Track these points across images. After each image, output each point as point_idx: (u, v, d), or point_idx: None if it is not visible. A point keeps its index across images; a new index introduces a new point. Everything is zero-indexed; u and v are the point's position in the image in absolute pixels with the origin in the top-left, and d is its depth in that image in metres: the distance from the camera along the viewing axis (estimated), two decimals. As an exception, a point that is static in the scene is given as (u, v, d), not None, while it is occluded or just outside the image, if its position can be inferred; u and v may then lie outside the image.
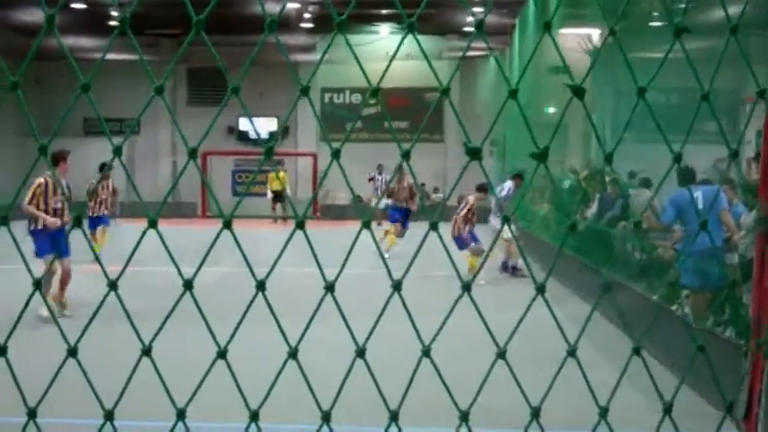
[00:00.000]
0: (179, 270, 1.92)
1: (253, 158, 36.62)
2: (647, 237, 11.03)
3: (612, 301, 10.32)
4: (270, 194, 32.43)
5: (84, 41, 30.04)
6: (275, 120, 35.80)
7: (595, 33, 19.95)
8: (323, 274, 1.92)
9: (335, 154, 1.80)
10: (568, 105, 1.94)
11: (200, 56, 28.94)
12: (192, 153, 1.86)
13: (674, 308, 9.78)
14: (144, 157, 35.21)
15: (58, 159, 11.70)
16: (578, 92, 1.83)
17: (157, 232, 1.88)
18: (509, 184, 17.80)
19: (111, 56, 32.39)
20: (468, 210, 15.54)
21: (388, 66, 1.90)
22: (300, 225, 1.85)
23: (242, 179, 37.28)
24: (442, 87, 1.82)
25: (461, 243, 15.33)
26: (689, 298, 9.77)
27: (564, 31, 18.92)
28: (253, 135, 36.18)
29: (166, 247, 1.93)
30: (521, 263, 17.44)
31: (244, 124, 36.28)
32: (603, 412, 1.96)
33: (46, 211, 11.49)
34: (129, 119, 34.86)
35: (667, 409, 2.01)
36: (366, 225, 1.83)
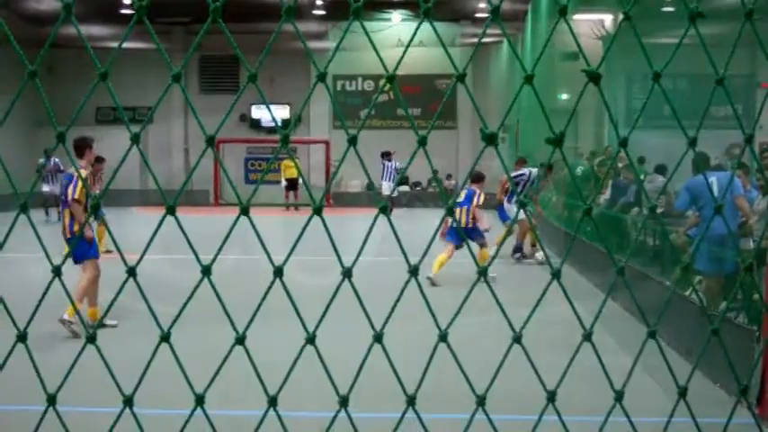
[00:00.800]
0: (197, 256, 1.94)
1: (265, 146, 36.70)
2: (660, 222, 11.00)
3: (626, 285, 10.28)
4: (284, 182, 32.54)
5: (96, 30, 30.10)
6: (287, 107, 35.85)
7: (607, 19, 19.88)
8: (341, 261, 1.93)
9: (352, 140, 1.80)
10: (584, 91, 1.94)
11: (212, 44, 28.96)
12: (210, 141, 1.87)
13: (687, 293, 9.77)
14: (157, 146, 35.29)
15: (84, 148, 10.31)
16: (594, 77, 1.84)
17: (176, 219, 1.90)
18: (529, 170, 17.61)
19: (117, 44, 32.34)
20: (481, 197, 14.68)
21: (404, 53, 1.91)
22: (318, 211, 1.86)
23: (254, 167, 37.36)
24: (457, 73, 1.83)
25: (478, 234, 14.58)
26: (702, 283, 9.76)
27: (576, 16, 18.83)
28: (265, 123, 36.33)
29: (185, 234, 1.94)
30: (527, 250, 17.31)
31: (256, 112, 36.34)
32: (619, 396, 1.97)
33: (86, 207, 10.17)
34: (141, 107, 34.98)
35: (682, 393, 2.02)
36: (383, 211, 1.84)
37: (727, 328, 7.59)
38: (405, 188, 34.99)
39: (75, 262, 9.96)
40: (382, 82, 34.30)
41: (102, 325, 9.50)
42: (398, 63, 1.82)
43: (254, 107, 36.07)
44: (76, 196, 10.09)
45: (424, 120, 34.30)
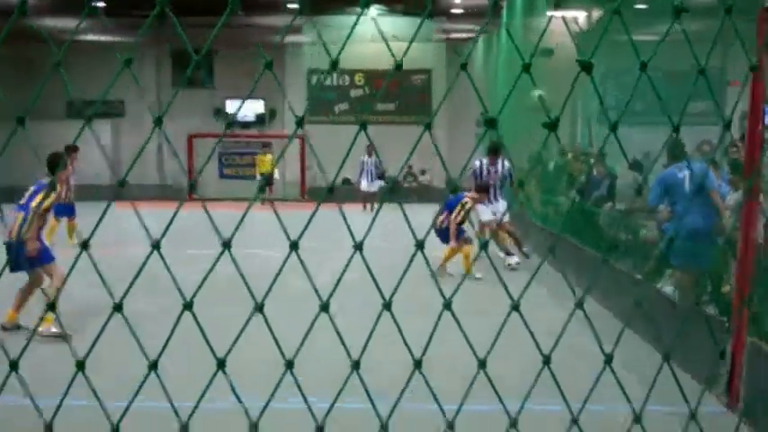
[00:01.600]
0: (218, 232, 2.04)
1: (239, 141, 36.69)
2: (632, 217, 11.19)
3: (602, 277, 10.50)
4: (258, 177, 32.62)
5: (70, 22, 29.91)
6: (261, 102, 35.94)
7: (581, 15, 20.14)
8: (353, 236, 2.05)
9: (363, 126, 1.93)
10: (576, 81, 2.08)
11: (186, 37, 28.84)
12: (229, 125, 1.99)
13: (658, 285, 9.97)
14: (129, 139, 35.22)
15: (57, 165, 10.03)
16: (586, 67, 1.98)
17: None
18: (480, 160, 16.18)
19: (92, 37, 32.36)
20: (466, 212, 14.23)
21: (407, 48, 2.03)
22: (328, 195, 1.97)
23: (229, 161, 37.33)
24: (461, 62, 1.96)
25: (446, 237, 14.31)
26: (674, 276, 9.95)
27: (552, 13, 19.05)
28: (239, 117, 36.33)
29: (214, 225, 2.05)
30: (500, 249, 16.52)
31: (231, 106, 36.28)
32: (609, 359, 2.11)
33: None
34: (113, 101, 34.98)
35: (666, 358, 2.17)
36: (400, 206, 1.95)
37: (697, 320, 7.79)
38: (381, 183, 35.07)
39: (30, 268, 9.49)
40: (357, 77, 34.05)
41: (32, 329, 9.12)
42: (403, 56, 1.95)
43: (228, 101, 36.03)
44: (43, 206, 9.60)
45: (398, 115, 34.56)
